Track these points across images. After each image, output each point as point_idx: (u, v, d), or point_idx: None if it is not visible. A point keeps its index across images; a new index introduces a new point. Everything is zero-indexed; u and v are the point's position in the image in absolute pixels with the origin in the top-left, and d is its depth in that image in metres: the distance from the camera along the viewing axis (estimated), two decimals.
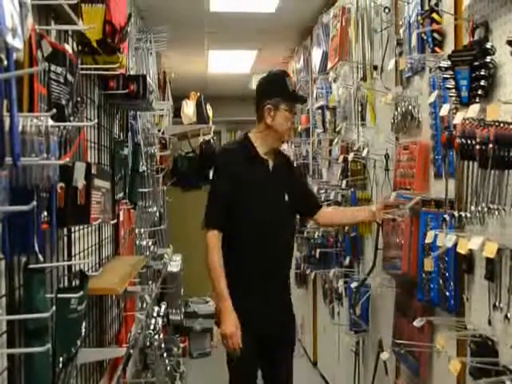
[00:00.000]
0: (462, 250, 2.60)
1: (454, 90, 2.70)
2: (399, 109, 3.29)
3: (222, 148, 3.79)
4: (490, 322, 2.57)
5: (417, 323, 2.98)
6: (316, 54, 5.74)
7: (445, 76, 2.78)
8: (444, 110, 2.79)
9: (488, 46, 2.56)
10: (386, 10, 3.63)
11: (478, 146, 2.36)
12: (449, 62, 2.70)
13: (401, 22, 3.35)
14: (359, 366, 4.32)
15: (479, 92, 2.60)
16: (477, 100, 2.58)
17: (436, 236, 2.70)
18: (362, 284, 4.03)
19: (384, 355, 3.57)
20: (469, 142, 2.46)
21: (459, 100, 2.66)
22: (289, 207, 3.49)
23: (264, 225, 3.35)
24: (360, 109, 4.28)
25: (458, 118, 2.57)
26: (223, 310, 3.24)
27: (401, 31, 3.33)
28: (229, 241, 3.31)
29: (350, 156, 4.26)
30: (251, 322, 3.28)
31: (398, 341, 3.26)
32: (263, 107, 3.40)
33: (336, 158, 4.91)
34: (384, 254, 3.56)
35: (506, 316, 2.42)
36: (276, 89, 3.43)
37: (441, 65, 2.79)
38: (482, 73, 2.57)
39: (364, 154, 4.07)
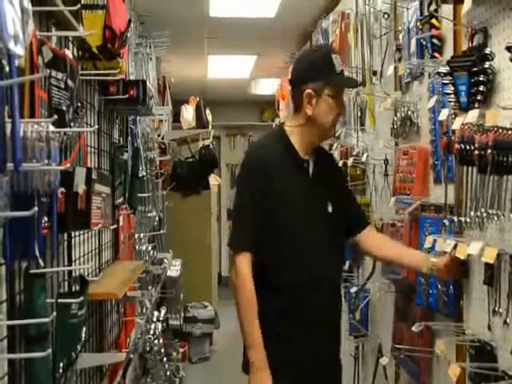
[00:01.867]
0: (461, 255, 2.59)
1: (452, 96, 2.69)
2: (398, 114, 3.30)
3: (254, 145, 3.04)
4: (489, 327, 2.57)
5: (415, 328, 2.90)
6: None
7: (444, 81, 2.77)
8: (443, 115, 2.77)
9: (487, 51, 2.56)
10: (386, 16, 3.64)
11: (476, 152, 2.36)
12: (447, 68, 2.69)
13: (400, 28, 3.36)
14: (359, 370, 4.32)
15: (478, 97, 2.59)
16: (476, 105, 2.58)
17: (435, 241, 2.68)
18: (362, 289, 4.03)
19: (383, 360, 3.57)
20: (468, 147, 2.46)
21: (458, 105, 2.65)
22: (335, 223, 2.72)
23: (306, 248, 2.63)
24: (359, 114, 4.30)
25: (456, 124, 2.56)
26: (255, 363, 2.59)
27: (400, 37, 3.34)
28: (260, 271, 2.59)
29: (350, 161, 4.27)
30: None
31: (397, 345, 3.27)
32: (301, 93, 2.64)
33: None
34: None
35: (505, 321, 2.42)
36: (319, 69, 2.64)
37: (440, 70, 2.78)
38: (481, 78, 2.57)
39: (363, 158, 4.07)
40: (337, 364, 2.84)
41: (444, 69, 2.74)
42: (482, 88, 2.58)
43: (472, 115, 2.52)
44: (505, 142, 2.33)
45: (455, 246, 2.61)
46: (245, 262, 2.55)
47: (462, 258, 2.58)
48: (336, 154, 4.95)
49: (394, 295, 3.52)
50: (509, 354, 2.40)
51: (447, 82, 2.72)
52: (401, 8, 3.32)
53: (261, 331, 2.58)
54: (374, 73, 3.87)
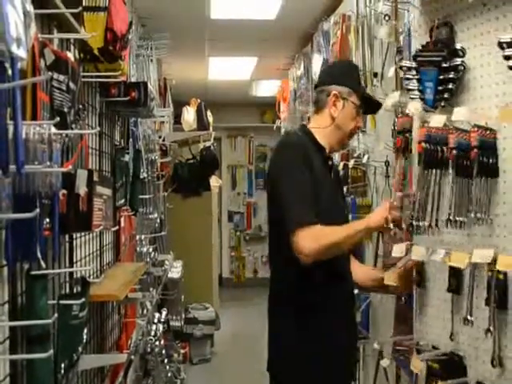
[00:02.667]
0: (418, 258, 2.52)
1: (416, 92, 2.56)
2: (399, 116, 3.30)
3: (290, 132, 2.91)
4: (451, 337, 2.49)
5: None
6: (316, 61, 5.75)
7: (407, 76, 2.60)
8: (412, 108, 2.60)
9: (458, 46, 2.47)
10: (386, 18, 3.64)
11: (453, 152, 2.35)
12: (413, 62, 2.56)
13: (401, 29, 3.36)
14: (360, 372, 4.32)
15: (445, 95, 2.48)
16: (442, 104, 2.50)
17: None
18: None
19: (384, 362, 3.57)
20: (438, 147, 2.42)
21: (423, 102, 2.54)
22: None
23: None
24: None
25: (435, 121, 2.44)
26: (363, 224, 2.57)
27: (401, 38, 3.34)
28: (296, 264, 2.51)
29: (351, 163, 4.27)
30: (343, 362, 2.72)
31: (398, 347, 3.27)
32: (328, 94, 2.68)
33: (336, 164, 4.92)
34: (384, 262, 3.56)
35: (489, 330, 2.30)
36: (348, 77, 2.75)
37: (403, 64, 2.64)
38: (451, 76, 2.46)
39: (364, 160, 4.08)
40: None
41: (408, 63, 2.61)
42: (450, 86, 2.47)
43: (438, 121, 2.44)
44: (488, 142, 2.31)
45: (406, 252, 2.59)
46: (314, 229, 2.45)
47: (419, 260, 2.57)
48: (337, 156, 4.96)
49: (394, 297, 3.52)
50: (482, 364, 2.35)
51: (410, 77, 2.57)
52: (402, 10, 3.32)
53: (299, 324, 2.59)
54: (375, 74, 3.88)
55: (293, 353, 2.61)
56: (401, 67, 2.68)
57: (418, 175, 2.52)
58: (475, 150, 2.32)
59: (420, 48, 2.61)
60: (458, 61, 2.44)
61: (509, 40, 2.17)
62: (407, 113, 2.69)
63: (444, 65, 2.46)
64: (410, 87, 2.60)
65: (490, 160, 2.32)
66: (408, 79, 2.60)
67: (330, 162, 2.76)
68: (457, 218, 2.36)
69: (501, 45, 2.21)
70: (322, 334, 2.61)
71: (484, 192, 2.33)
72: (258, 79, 8.97)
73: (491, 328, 2.31)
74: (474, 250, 2.33)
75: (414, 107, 2.59)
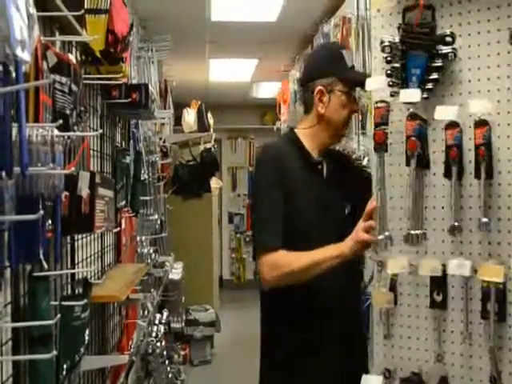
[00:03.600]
0: (392, 270, 2.34)
1: (396, 77, 2.30)
2: None
3: (265, 146, 2.70)
4: (439, 359, 2.32)
5: None
6: None
7: (387, 58, 2.34)
8: (405, 96, 2.31)
9: (447, 32, 2.27)
10: None
11: (454, 149, 2.22)
12: (399, 43, 2.27)
13: None
14: None
15: (429, 86, 2.29)
16: (425, 95, 2.29)
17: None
18: (363, 292, 4.04)
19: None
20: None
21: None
22: (354, 225, 2.43)
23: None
24: (360, 118, 4.31)
25: (440, 114, 2.26)
26: (336, 251, 2.37)
27: None
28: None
29: None
30: None
31: None
32: (312, 91, 2.53)
33: None
34: None
35: (492, 348, 2.19)
36: (330, 65, 2.55)
37: (385, 41, 2.33)
38: (439, 64, 2.26)
39: (364, 162, 4.08)
40: None
41: (388, 38, 2.32)
42: (435, 75, 2.28)
43: (448, 112, 2.23)
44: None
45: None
46: (277, 254, 2.35)
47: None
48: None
49: None
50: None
51: (390, 58, 2.30)
52: None
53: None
54: None
55: None
56: (383, 46, 2.35)
57: (409, 177, 2.34)
58: (482, 148, 2.19)
59: (404, 29, 2.31)
60: (448, 48, 2.26)
61: None
62: (384, 100, 2.39)
63: (434, 51, 2.26)
64: (390, 71, 2.35)
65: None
66: (389, 62, 2.35)
67: (319, 167, 2.58)
68: (455, 224, 2.29)
69: None
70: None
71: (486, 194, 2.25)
72: (258, 81, 8.98)
73: (491, 344, 2.22)
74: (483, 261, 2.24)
75: (413, 96, 2.30)
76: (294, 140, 2.58)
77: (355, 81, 2.56)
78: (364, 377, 2.45)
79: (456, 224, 2.28)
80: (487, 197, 2.26)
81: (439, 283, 2.33)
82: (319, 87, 2.51)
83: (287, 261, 2.37)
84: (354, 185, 2.65)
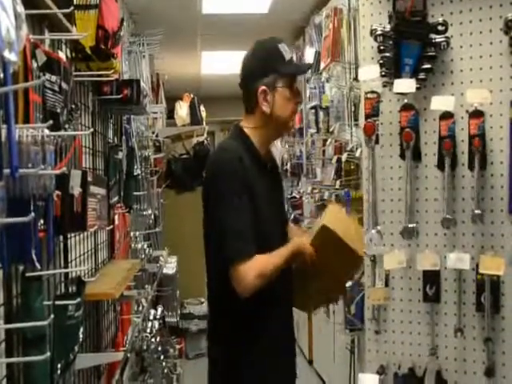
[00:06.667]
0: (388, 266, 2.36)
1: (389, 67, 2.29)
2: None
3: (223, 148, 2.60)
4: (433, 352, 2.35)
5: None
6: (309, 54, 5.75)
7: (380, 46, 2.33)
8: (399, 87, 2.32)
9: (440, 20, 2.26)
10: None
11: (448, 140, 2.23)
12: (391, 31, 2.26)
13: None
14: (354, 364, 4.34)
15: (422, 75, 2.27)
16: (417, 85, 2.28)
17: None
18: (357, 283, 4.05)
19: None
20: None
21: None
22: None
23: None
24: (353, 109, 4.30)
25: (441, 104, 2.27)
26: (287, 252, 2.39)
27: None
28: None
29: (344, 156, 4.28)
30: None
31: None
32: (255, 92, 2.47)
33: (330, 158, 4.93)
34: None
35: (488, 339, 2.24)
36: (268, 63, 2.49)
37: (377, 30, 2.31)
38: (431, 53, 2.25)
39: (357, 154, 4.08)
40: None
41: (380, 27, 2.30)
42: (428, 65, 2.27)
43: (445, 102, 2.22)
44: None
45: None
46: (253, 262, 2.29)
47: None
48: (330, 150, 4.97)
49: None
50: (473, 376, 2.30)
51: (383, 47, 2.28)
52: None
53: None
54: None
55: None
56: (375, 36, 2.32)
57: (404, 170, 2.37)
58: (477, 139, 2.20)
59: (396, 17, 2.31)
60: (441, 37, 2.25)
61: None
62: (375, 91, 2.41)
63: (427, 40, 2.25)
64: (383, 61, 2.34)
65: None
66: (382, 51, 2.33)
67: (268, 165, 2.56)
68: (448, 216, 2.29)
69: (507, 24, 2.11)
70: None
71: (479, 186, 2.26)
72: None
73: (486, 336, 2.25)
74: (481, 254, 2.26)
75: (407, 87, 2.30)
76: (245, 139, 2.50)
77: (296, 72, 2.57)
78: (360, 375, 2.46)
79: (449, 217, 2.28)
80: (480, 188, 2.26)
81: (432, 277, 2.35)
82: (262, 87, 2.45)
83: (264, 265, 2.32)
84: (282, 188, 2.77)
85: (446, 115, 2.28)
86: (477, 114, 2.21)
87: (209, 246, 2.51)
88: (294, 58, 2.65)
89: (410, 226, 2.33)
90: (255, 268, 2.29)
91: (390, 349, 2.46)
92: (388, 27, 2.33)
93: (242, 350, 2.42)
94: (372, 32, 2.34)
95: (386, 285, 2.45)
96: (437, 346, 2.37)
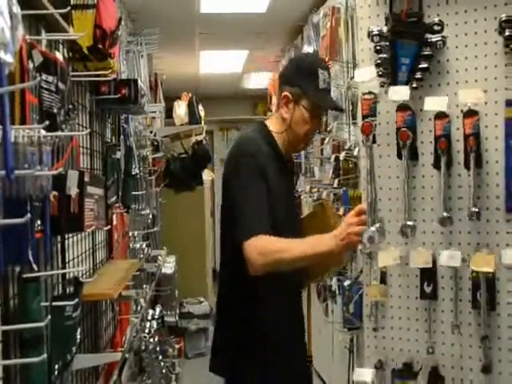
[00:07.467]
0: (383, 263, 2.37)
1: (386, 67, 2.31)
2: None
3: (244, 138, 2.59)
4: (429, 350, 2.36)
5: None
6: None
7: (377, 47, 2.34)
8: (395, 93, 2.33)
9: (436, 20, 2.28)
10: None
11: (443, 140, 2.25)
12: (387, 32, 2.27)
13: None
14: (353, 362, 4.34)
15: (418, 75, 2.29)
16: (414, 85, 2.31)
17: None
18: (355, 282, 4.05)
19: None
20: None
21: (394, 81, 2.30)
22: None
23: None
24: (351, 108, 4.30)
25: (433, 104, 2.28)
26: (325, 246, 2.31)
27: None
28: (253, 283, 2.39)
29: (342, 155, 4.28)
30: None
31: None
32: (281, 93, 2.52)
33: (328, 156, 4.93)
34: None
35: (486, 337, 2.27)
36: (301, 76, 2.48)
37: (373, 31, 2.33)
38: (428, 52, 2.26)
39: (355, 152, 4.08)
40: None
41: (376, 28, 2.33)
42: (424, 64, 2.28)
43: (437, 103, 2.24)
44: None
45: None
46: (265, 238, 2.27)
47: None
48: (328, 148, 4.97)
49: None
50: (470, 373, 2.32)
51: (379, 47, 2.30)
52: None
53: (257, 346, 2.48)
54: None
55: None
56: (372, 36, 2.34)
57: (401, 169, 2.39)
58: (472, 138, 2.22)
59: (392, 18, 2.32)
60: (437, 36, 2.25)
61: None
62: (372, 91, 2.41)
63: (423, 39, 2.26)
64: (378, 61, 2.35)
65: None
66: (378, 51, 2.34)
67: (288, 164, 2.62)
68: (444, 215, 2.30)
69: (501, 24, 2.13)
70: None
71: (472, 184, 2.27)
72: (249, 72, 8.95)
73: (483, 333, 2.27)
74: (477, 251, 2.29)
75: (401, 94, 2.32)
76: (267, 137, 2.53)
77: (319, 103, 2.51)
78: (356, 369, 2.47)
79: (446, 215, 2.29)
80: (476, 187, 2.27)
81: (429, 274, 2.36)
82: (286, 93, 2.49)
83: (279, 246, 2.30)
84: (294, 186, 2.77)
85: (441, 115, 2.29)
86: (471, 113, 2.23)
87: (225, 233, 2.53)
88: (330, 92, 2.62)
89: (407, 224, 2.33)
90: (265, 245, 2.28)
91: (389, 345, 2.47)
92: (385, 29, 2.34)
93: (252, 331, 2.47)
94: (369, 34, 2.37)
95: (384, 282, 2.46)
96: (434, 342, 2.38)
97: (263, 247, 2.27)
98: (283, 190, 2.51)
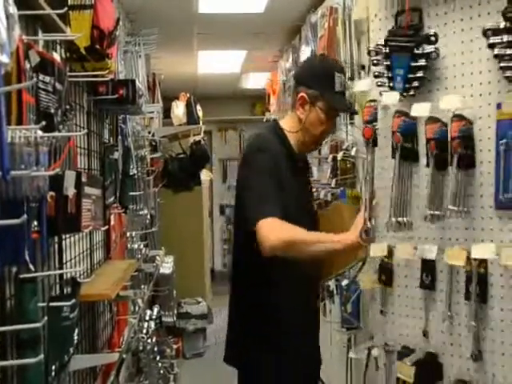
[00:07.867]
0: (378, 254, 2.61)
1: (385, 79, 2.50)
2: None
3: (259, 136, 2.68)
4: (425, 334, 2.53)
5: None
6: (304, 54, 5.74)
7: (374, 61, 2.54)
8: (388, 99, 2.55)
9: (431, 32, 2.42)
10: None
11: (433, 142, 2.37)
12: (384, 47, 2.48)
13: None
14: (351, 362, 4.34)
15: (415, 84, 2.43)
16: (411, 92, 2.45)
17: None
18: (353, 281, 4.05)
19: (375, 351, 3.58)
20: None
21: (392, 90, 2.49)
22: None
23: None
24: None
25: (418, 110, 2.44)
26: (339, 244, 2.38)
27: None
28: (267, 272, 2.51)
29: (339, 155, 4.28)
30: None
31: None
32: (297, 94, 2.60)
33: (325, 156, 4.92)
34: None
35: (473, 325, 2.36)
36: (318, 79, 2.56)
37: (371, 48, 2.54)
38: (422, 63, 2.40)
39: (353, 152, 4.08)
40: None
41: (376, 47, 2.53)
42: (421, 74, 2.42)
43: (422, 109, 2.38)
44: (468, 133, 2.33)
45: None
46: (276, 221, 2.31)
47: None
48: (326, 148, 4.96)
49: None
50: (459, 360, 2.42)
51: (376, 61, 2.51)
52: None
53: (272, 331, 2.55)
54: (363, 67, 3.88)
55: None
56: (369, 52, 2.57)
57: (395, 169, 2.52)
58: (457, 141, 2.33)
59: (390, 32, 2.53)
60: (431, 48, 2.38)
61: (495, 27, 2.13)
62: (374, 99, 2.61)
63: (417, 51, 2.40)
64: (377, 73, 2.54)
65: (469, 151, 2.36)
66: (376, 65, 2.53)
67: (300, 164, 2.69)
68: (435, 212, 2.38)
69: (485, 33, 2.19)
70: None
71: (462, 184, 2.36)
72: (247, 72, 8.95)
73: (473, 323, 2.36)
74: (473, 245, 2.36)
75: (392, 99, 2.49)
76: (281, 136, 2.61)
77: (335, 104, 2.58)
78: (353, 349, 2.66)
79: (438, 213, 2.40)
80: (467, 185, 2.35)
81: (430, 267, 2.52)
82: (303, 94, 2.56)
83: (293, 228, 2.35)
84: (310, 187, 2.91)
85: (431, 120, 2.42)
86: (459, 118, 2.33)
87: (239, 230, 2.67)
88: (346, 95, 2.70)
89: (399, 219, 2.50)
90: (280, 224, 2.32)
91: (391, 329, 2.72)
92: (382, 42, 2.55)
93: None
94: (369, 52, 2.59)
95: (384, 273, 2.71)
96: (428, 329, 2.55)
97: (276, 227, 2.31)
98: (295, 188, 2.57)
